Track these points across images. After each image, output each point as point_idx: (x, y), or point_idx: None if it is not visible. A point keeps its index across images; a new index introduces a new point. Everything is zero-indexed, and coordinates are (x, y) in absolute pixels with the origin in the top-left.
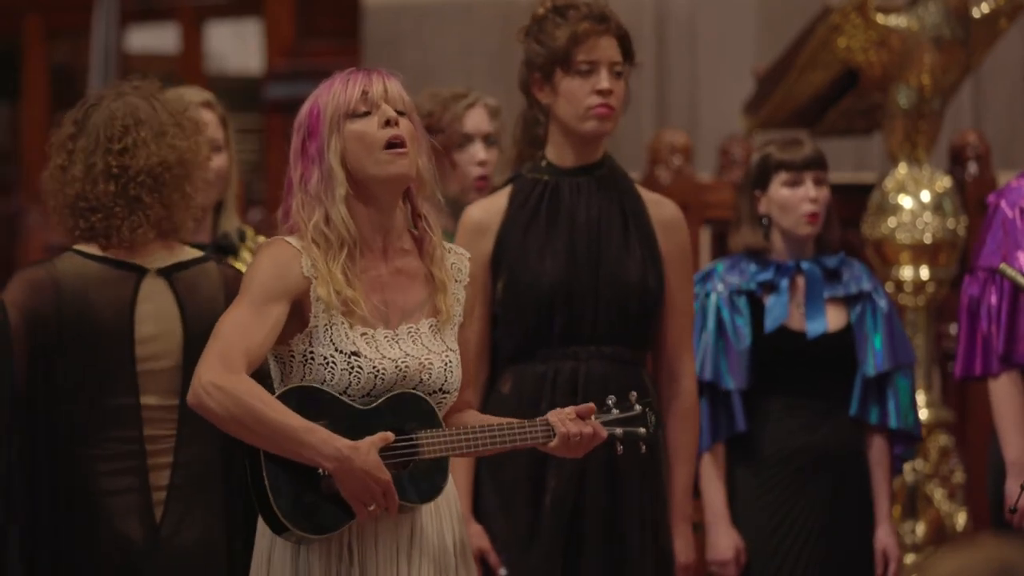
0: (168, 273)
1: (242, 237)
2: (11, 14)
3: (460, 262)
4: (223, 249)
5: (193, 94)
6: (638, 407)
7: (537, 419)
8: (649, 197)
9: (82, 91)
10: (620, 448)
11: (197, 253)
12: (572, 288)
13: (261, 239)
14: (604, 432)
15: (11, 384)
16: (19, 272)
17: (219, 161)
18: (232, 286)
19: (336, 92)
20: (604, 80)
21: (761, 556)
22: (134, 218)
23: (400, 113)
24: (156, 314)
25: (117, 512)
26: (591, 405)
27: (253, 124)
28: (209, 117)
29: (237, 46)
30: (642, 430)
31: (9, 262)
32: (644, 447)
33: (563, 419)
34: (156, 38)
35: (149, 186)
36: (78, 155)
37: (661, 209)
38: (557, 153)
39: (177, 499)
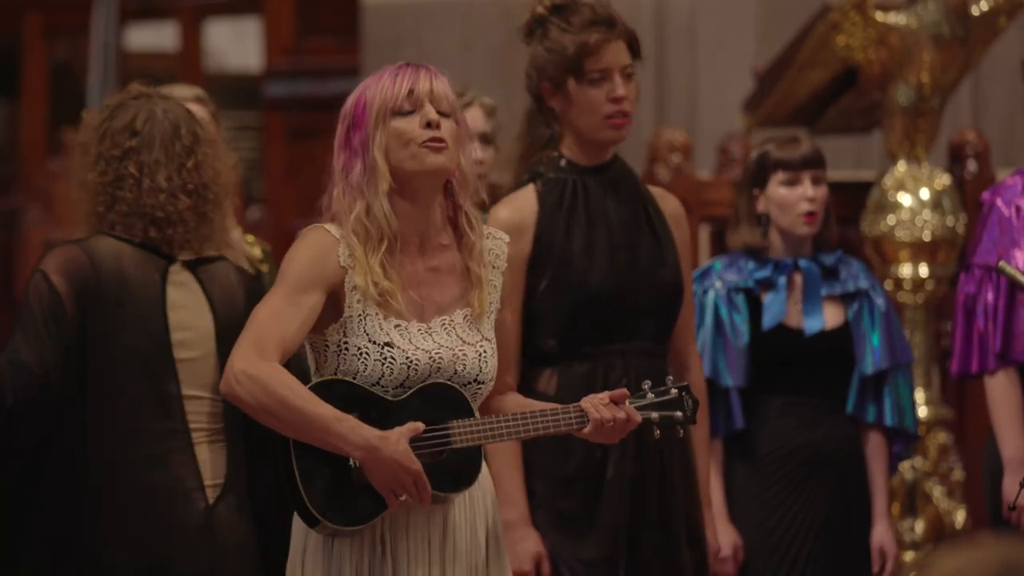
0: (193, 266)
1: None
2: (11, 12)
3: (498, 247)
4: None
5: (184, 91)
6: (674, 391)
7: (570, 405)
8: (655, 191)
9: (81, 89)
10: (657, 433)
11: (212, 251)
12: (618, 287)
13: (249, 238)
14: (638, 417)
15: (61, 353)
16: (52, 250)
17: None
18: (248, 282)
19: (384, 86)
20: (619, 87)
21: (759, 553)
22: (203, 231)
23: (444, 114)
24: (185, 302)
25: (165, 503)
26: (624, 391)
27: (252, 122)
28: (200, 112)
29: (237, 44)
30: (679, 414)
31: (8, 259)
32: (681, 431)
33: (596, 405)
34: (155, 36)
35: (212, 202)
36: (151, 167)
37: (667, 203)
38: (574, 154)
39: (230, 491)
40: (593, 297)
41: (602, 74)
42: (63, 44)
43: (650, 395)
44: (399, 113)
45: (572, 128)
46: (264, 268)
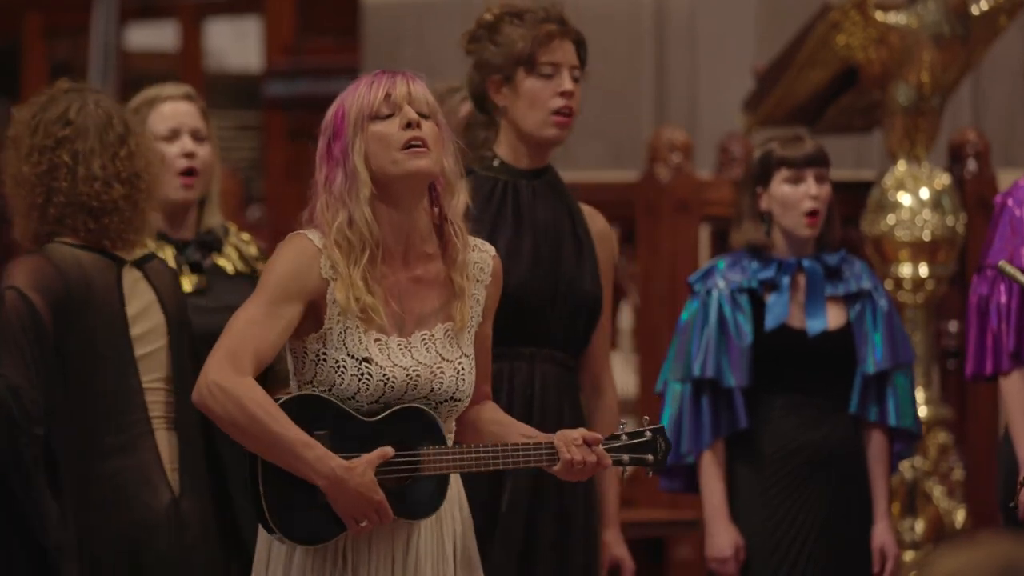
0: (139, 264)
1: (225, 232)
2: (11, 12)
3: (483, 260)
4: (207, 244)
5: (172, 89)
6: (648, 434)
7: (543, 441)
8: (585, 208)
9: None
10: (624, 473)
11: (146, 250)
12: (537, 291)
13: (245, 236)
14: (608, 460)
15: (44, 371)
16: (15, 262)
17: (203, 152)
18: (175, 277)
19: (360, 94)
20: (567, 82)
21: (761, 553)
22: (136, 222)
23: (424, 116)
24: (139, 300)
25: (134, 489)
26: (598, 435)
27: (252, 122)
28: (191, 109)
29: (237, 44)
30: (649, 457)
31: (9, 259)
32: (650, 473)
33: (568, 444)
34: (156, 36)
35: (144, 191)
36: (86, 156)
37: (595, 220)
38: (511, 155)
39: (188, 475)
40: (510, 299)
41: (553, 68)
42: (63, 44)
43: (624, 438)
44: (377, 118)
45: (514, 125)
46: (260, 266)
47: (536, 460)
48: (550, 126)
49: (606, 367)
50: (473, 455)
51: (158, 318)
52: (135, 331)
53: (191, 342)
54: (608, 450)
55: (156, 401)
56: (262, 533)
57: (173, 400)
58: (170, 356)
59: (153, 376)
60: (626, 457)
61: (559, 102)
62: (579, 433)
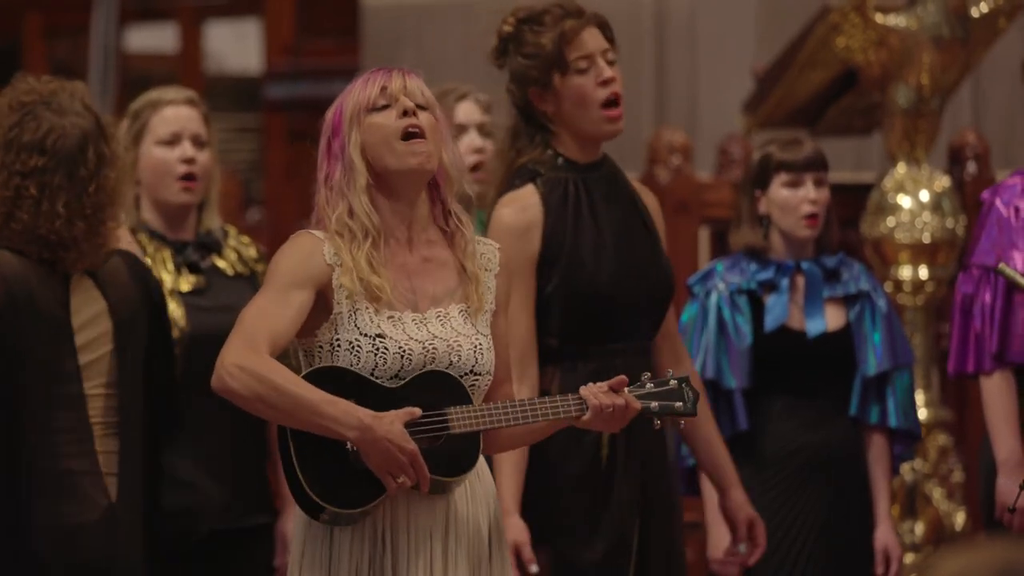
0: (91, 271)
1: (224, 235)
2: (11, 12)
3: (489, 252)
4: (207, 246)
5: (175, 93)
6: (673, 382)
7: (569, 394)
8: (638, 187)
9: None
10: (657, 423)
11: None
12: (624, 286)
13: (244, 239)
14: (638, 404)
15: None
16: None
17: (203, 158)
18: (134, 267)
19: (356, 90)
20: (606, 70)
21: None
22: (92, 254)
23: (421, 108)
24: (86, 308)
25: (70, 494)
26: (623, 378)
27: (252, 124)
28: (193, 114)
29: (236, 45)
30: (679, 404)
31: None
32: (683, 422)
33: (595, 392)
34: (155, 37)
35: (109, 213)
36: (53, 192)
37: (648, 198)
38: (571, 152)
39: (126, 481)
40: (603, 297)
41: (587, 61)
42: (63, 44)
43: (649, 385)
44: (374, 109)
45: (568, 127)
46: (260, 268)
47: (565, 411)
48: (604, 122)
49: (678, 335)
50: (502, 411)
51: (105, 325)
52: (81, 339)
53: (143, 346)
54: (636, 396)
55: (97, 407)
56: (299, 522)
57: (116, 404)
58: (115, 361)
59: (96, 382)
60: (654, 404)
61: (604, 92)
62: (604, 382)
